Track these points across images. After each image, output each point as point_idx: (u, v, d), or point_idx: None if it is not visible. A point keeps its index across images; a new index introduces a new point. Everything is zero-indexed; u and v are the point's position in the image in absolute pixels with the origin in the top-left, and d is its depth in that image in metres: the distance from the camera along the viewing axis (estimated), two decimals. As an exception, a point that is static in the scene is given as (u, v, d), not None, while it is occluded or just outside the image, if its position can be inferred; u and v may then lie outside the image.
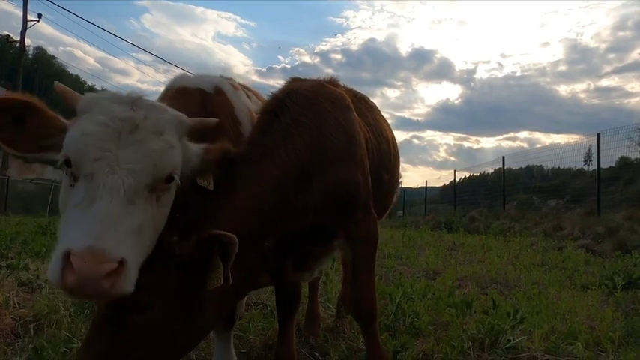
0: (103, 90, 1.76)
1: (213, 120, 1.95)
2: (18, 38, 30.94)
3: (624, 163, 18.56)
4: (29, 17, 29.49)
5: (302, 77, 2.64)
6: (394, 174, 3.09)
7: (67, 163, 1.57)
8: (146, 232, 1.56)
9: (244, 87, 2.98)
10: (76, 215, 1.48)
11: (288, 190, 2.00)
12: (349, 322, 3.68)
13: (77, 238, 1.40)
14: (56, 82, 1.73)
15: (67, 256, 1.36)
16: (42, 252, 6.73)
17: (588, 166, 19.60)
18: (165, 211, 1.69)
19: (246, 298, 2.84)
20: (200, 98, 2.35)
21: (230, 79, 2.83)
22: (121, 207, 1.47)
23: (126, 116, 1.60)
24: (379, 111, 3.23)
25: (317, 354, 3.06)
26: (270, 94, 2.37)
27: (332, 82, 2.65)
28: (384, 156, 2.81)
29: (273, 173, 1.98)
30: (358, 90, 3.16)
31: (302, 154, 2.06)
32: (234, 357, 2.61)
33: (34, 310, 3.42)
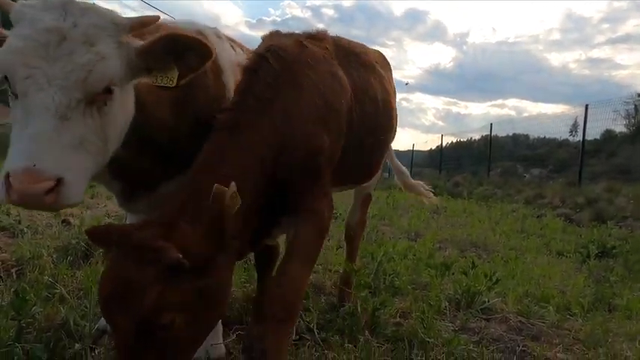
0: None
1: (154, 16, 1.80)
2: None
3: (609, 135, 18.82)
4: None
5: (284, 32, 2.48)
6: (382, 136, 2.92)
7: (6, 80, 1.53)
8: (91, 143, 1.55)
9: (229, 39, 2.88)
10: (16, 135, 1.49)
11: (268, 157, 1.95)
12: (329, 279, 3.76)
13: (14, 159, 1.43)
14: None
15: (7, 176, 1.40)
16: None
17: (573, 136, 19.83)
18: (114, 117, 1.64)
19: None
20: None
21: (214, 28, 2.74)
22: (54, 124, 1.45)
23: (52, 26, 1.51)
24: (376, 68, 2.95)
25: (298, 308, 3.12)
26: (252, 51, 2.27)
27: (319, 35, 2.51)
28: (369, 118, 2.65)
29: (257, 140, 1.93)
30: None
31: (279, 119, 1.99)
32: None
33: (16, 255, 3.41)
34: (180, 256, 1.48)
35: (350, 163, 2.50)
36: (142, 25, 1.73)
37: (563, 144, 22.46)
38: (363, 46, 3.09)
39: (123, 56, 1.64)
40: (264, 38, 2.43)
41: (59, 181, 1.43)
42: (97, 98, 1.57)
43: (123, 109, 1.71)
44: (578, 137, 16.62)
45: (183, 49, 1.70)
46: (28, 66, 1.47)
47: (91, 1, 1.69)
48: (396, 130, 3.47)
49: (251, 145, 1.91)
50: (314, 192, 2.15)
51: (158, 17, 1.81)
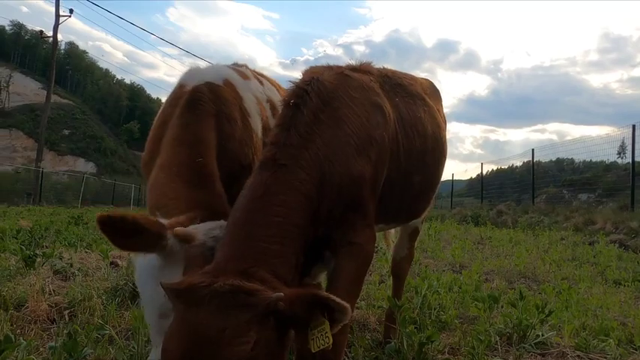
0: None
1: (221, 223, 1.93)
2: (50, 34, 31.81)
3: (660, 155, 17.88)
4: (61, 12, 30.31)
5: (325, 65, 2.42)
6: (430, 174, 2.77)
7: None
8: None
9: (258, 74, 2.96)
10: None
11: (313, 193, 1.90)
12: (374, 315, 3.68)
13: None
14: (176, 230, 1.80)
15: None
16: (75, 241, 6.93)
17: (622, 158, 18.97)
18: None
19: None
20: (212, 96, 2.36)
21: (243, 66, 2.83)
22: None
23: None
24: (425, 99, 2.83)
25: (342, 345, 3.06)
26: (292, 83, 2.23)
27: (363, 67, 2.47)
28: (416, 154, 2.53)
29: (302, 178, 1.87)
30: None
31: (322, 152, 1.96)
32: None
33: (68, 297, 3.53)
34: (281, 296, 1.42)
35: (396, 200, 2.42)
36: None
37: (611, 167, 21.54)
38: (412, 77, 2.99)
39: None
40: (305, 72, 2.39)
41: None
42: None
43: None
44: (627, 159, 15.95)
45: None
46: None
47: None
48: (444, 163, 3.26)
49: (298, 182, 1.87)
50: (356, 225, 2.09)
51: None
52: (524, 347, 3.03)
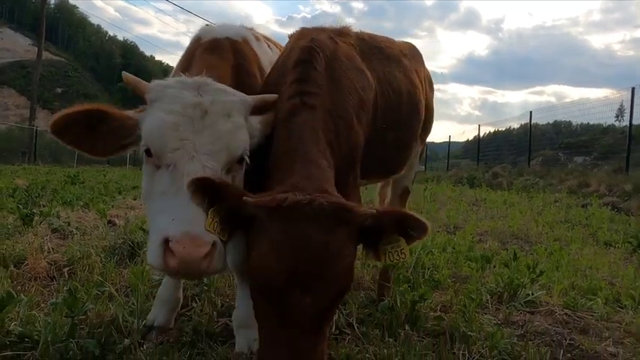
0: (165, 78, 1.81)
1: (272, 96, 2.00)
2: (39, -13, 30.72)
3: (658, 119, 17.82)
4: (49, -35, 29.17)
5: (312, 27, 2.51)
6: (405, 130, 2.87)
7: (148, 152, 1.69)
8: None
9: (266, 38, 2.94)
10: (165, 203, 1.61)
11: (332, 139, 2.01)
12: (368, 274, 3.75)
13: (173, 225, 1.53)
14: (124, 73, 1.81)
15: (166, 242, 1.52)
16: (71, 200, 6.95)
17: (620, 122, 18.90)
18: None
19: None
20: (232, 48, 2.34)
21: (252, 29, 2.79)
22: None
23: (195, 102, 1.69)
24: (401, 60, 2.92)
25: (337, 303, 3.13)
26: (294, 42, 2.33)
27: (343, 31, 2.54)
28: (390, 112, 2.63)
29: (327, 119, 2.00)
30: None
31: (332, 109, 2.06)
32: None
33: (67, 255, 3.58)
34: (374, 213, 1.52)
35: (371, 155, 2.47)
36: (263, 102, 1.94)
37: (608, 130, 21.50)
38: (390, 40, 3.09)
39: (249, 129, 1.85)
40: (295, 34, 2.47)
41: (213, 246, 1.55)
42: (234, 167, 1.76)
43: (241, 184, 1.86)
44: (625, 122, 15.89)
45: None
46: (179, 138, 1.64)
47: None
48: (429, 123, 3.39)
49: (324, 124, 1.97)
50: (348, 183, 2.17)
51: (276, 96, 2.00)
52: (514, 305, 3.11)
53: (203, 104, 1.71)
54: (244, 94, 1.89)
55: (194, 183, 1.48)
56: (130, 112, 1.83)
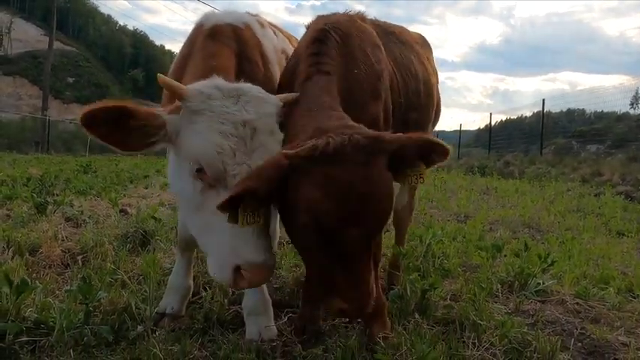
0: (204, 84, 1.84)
1: (293, 95, 2.03)
2: (49, -23, 30.78)
3: (674, 106, 17.50)
4: (59, -46, 29.20)
5: (327, 13, 2.56)
6: (424, 111, 2.98)
7: (199, 171, 1.74)
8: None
9: (272, 25, 2.92)
10: (223, 225, 1.61)
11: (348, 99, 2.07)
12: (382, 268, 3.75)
13: (245, 254, 1.67)
14: (160, 76, 1.81)
15: (238, 268, 1.69)
16: (84, 189, 7.03)
17: (634, 109, 18.61)
18: None
19: (278, 237, 2.90)
20: (234, 35, 2.35)
21: (256, 15, 2.77)
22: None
23: (244, 120, 1.74)
24: (414, 46, 3.04)
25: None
26: (310, 27, 2.40)
27: (359, 17, 2.59)
28: (411, 94, 2.74)
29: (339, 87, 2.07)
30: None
31: (343, 87, 2.10)
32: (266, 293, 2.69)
33: (80, 244, 3.63)
34: (403, 138, 1.62)
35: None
36: (286, 101, 1.96)
37: (622, 117, 21.17)
38: (402, 27, 3.16)
39: None
40: (313, 22, 2.48)
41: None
42: None
43: None
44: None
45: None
46: (237, 163, 1.70)
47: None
48: (439, 112, 3.45)
49: (341, 87, 2.06)
50: None
51: (297, 95, 2.02)
52: (524, 294, 3.10)
53: (252, 123, 1.75)
54: (276, 98, 1.93)
55: (226, 206, 1.52)
56: (158, 110, 1.83)
